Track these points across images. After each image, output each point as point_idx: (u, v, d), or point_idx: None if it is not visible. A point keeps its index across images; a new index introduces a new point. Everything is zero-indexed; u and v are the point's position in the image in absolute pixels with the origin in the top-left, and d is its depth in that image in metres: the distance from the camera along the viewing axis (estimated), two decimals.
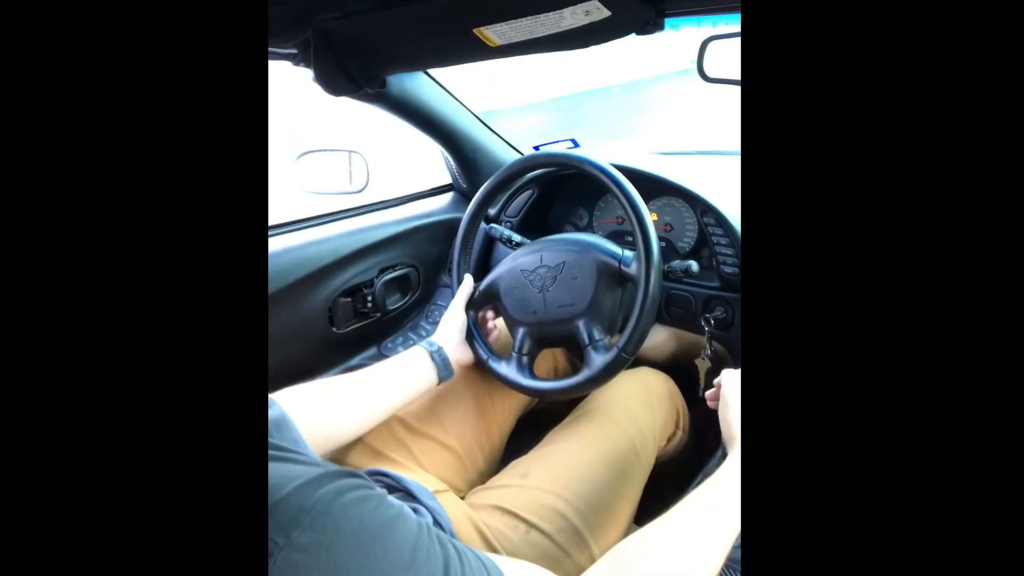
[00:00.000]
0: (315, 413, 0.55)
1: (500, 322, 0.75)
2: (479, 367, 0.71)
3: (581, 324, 0.65)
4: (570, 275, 0.66)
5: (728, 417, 0.51)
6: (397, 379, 0.63)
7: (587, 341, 0.64)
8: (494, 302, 0.72)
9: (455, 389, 0.72)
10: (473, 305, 0.73)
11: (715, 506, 0.43)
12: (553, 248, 0.68)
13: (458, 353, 0.68)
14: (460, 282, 0.74)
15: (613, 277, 0.65)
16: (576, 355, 0.67)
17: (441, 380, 0.66)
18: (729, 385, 0.53)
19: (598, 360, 0.63)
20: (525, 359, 0.68)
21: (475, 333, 0.72)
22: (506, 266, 0.71)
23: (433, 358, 0.65)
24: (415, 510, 0.51)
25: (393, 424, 0.67)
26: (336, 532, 0.26)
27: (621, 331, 0.62)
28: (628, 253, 0.64)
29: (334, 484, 0.28)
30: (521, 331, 0.69)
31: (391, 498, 0.31)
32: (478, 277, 0.76)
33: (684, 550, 0.40)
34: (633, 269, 0.62)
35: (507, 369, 0.68)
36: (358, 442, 0.64)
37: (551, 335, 0.68)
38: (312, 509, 0.26)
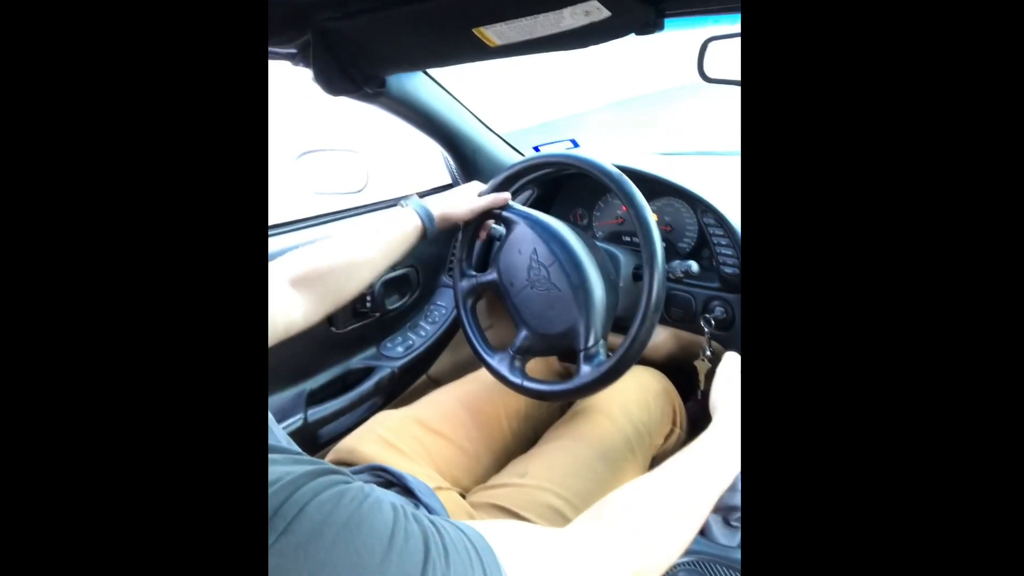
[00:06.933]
0: (324, 280, 0.58)
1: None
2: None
3: (580, 325, 0.65)
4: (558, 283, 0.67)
5: (714, 390, 0.54)
6: (387, 234, 0.64)
7: (582, 346, 0.64)
8: (501, 297, 0.73)
9: (471, 394, 0.74)
10: (475, 291, 0.74)
11: (697, 463, 0.46)
12: (560, 263, 0.68)
13: (443, 208, 0.69)
14: (461, 261, 0.75)
15: (613, 285, 0.66)
16: (571, 360, 0.68)
17: (426, 232, 0.67)
18: (725, 364, 0.57)
19: (588, 370, 0.63)
20: (518, 360, 0.69)
21: (471, 325, 0.73)
22: (514, 258, 0.72)
23: (418, 211, 0.66)
24: (414, 507, 0.51)
25: (410, 423, 0.69)
26: (312, 532, 0.26)
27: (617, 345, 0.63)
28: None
29: (311, 484, 0.28)
30: (523, 333, 0.69)
31: (366, 486, 0.31)
32: (482, 259, 0.76)
33: (666, 498, 0.43)
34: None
35: (498, 364, 0.69)
36: (372, 433, 0.67)
37: (549, 348, 0.69)
38: (287, 513, 0.26)
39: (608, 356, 0.62)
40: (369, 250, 0.62)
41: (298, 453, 0.31)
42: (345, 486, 0.29)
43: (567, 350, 0.66)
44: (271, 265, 0.57)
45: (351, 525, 0.27)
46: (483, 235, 0.75)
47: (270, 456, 0.29)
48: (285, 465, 0.28)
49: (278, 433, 0.39)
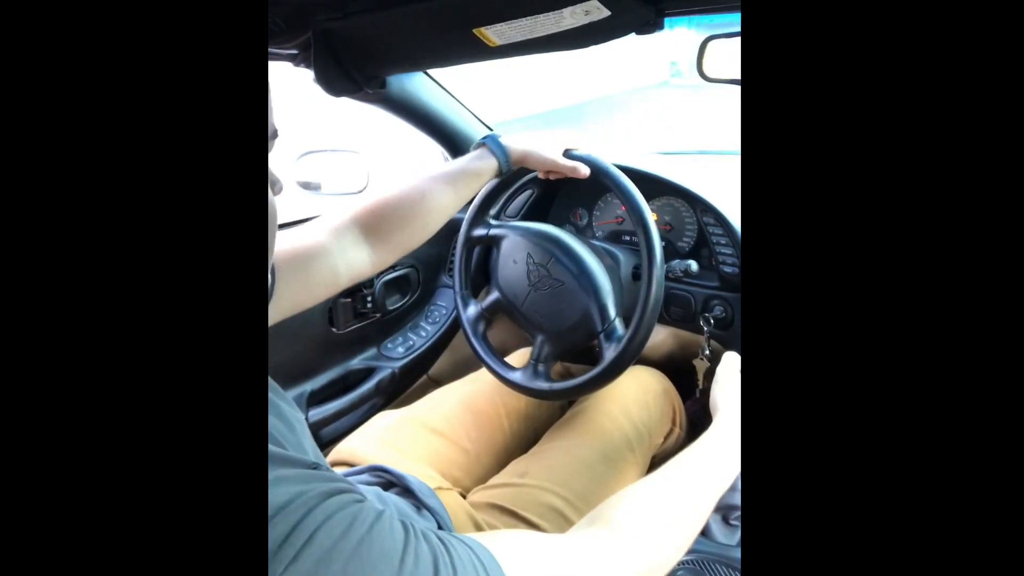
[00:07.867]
0: (407, 221, 0.60)
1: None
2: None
3: (593, 308, 0.65)
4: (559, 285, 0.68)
5: (715, 390, 0.54)
6: (462, 177, 0.63)
7: (600, 327, 0.64)
8: (509, 313, 0.73)
9: (471, 394, 0.74)
10: (483, 317, 0.74)
11: (697, 465, 0.47)
12: (556, 263, 0.69)
13: (524, 149, 0.65)
14: (461, 291, 0.76)
15: (613, 271, 0.67)
16: (587, 360, 0.68)
17: (501, 171, 0.65)
18: (726, 364, 0.57)
19: (611, 348, 0.63)
20: (541, 367, 0.69)
21: (485, 350, 0.73)
22: (511, 270, 0.72)
23: (494, 151, 0.64)
24: (416, 508, 0.51)
25: (410, 423, 0.69)
26: (322, 559, 0.26)
27: (628, 323, 0.63)
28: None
29: (322, 506, 0.28)
30: (540, 338, 0.69)
31: (377, 505, 0.30)
32: (479, 278, 0.76)
33: (668, 501, 0.43)
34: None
35: (522, 378, 0.69)
36: (373, 434, 0.67)
37: (569, 342, 0.69)
38: (297, 541, 0.26)
39: (626, 330, 0.62)
40: (444, 196, 0.61)
41: (313, 466, 0.31)
42: (358, 506, 0.29)
43: (586, 340, 0.66)
44: (341, 212, 0.57)
45: (361, 550, 0.27)
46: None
47: (283, 472, 0.28)
48: (297, 484, 0.28)
49: (299, 431, 0.39)
